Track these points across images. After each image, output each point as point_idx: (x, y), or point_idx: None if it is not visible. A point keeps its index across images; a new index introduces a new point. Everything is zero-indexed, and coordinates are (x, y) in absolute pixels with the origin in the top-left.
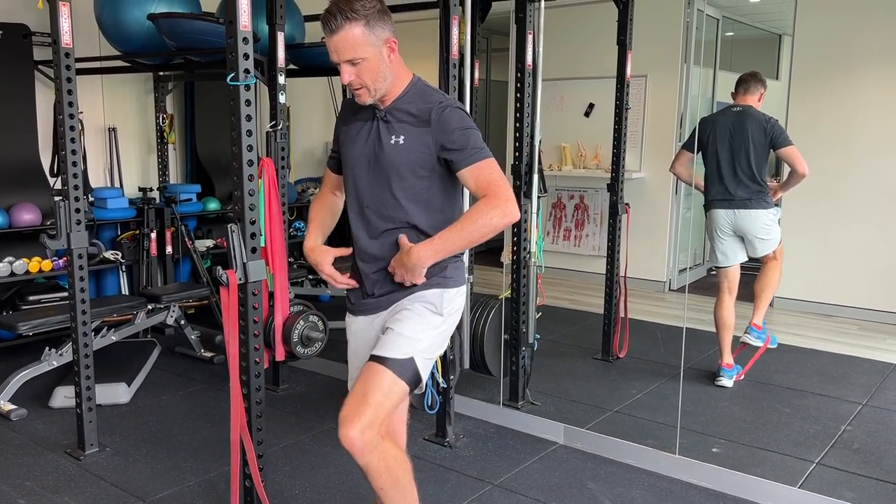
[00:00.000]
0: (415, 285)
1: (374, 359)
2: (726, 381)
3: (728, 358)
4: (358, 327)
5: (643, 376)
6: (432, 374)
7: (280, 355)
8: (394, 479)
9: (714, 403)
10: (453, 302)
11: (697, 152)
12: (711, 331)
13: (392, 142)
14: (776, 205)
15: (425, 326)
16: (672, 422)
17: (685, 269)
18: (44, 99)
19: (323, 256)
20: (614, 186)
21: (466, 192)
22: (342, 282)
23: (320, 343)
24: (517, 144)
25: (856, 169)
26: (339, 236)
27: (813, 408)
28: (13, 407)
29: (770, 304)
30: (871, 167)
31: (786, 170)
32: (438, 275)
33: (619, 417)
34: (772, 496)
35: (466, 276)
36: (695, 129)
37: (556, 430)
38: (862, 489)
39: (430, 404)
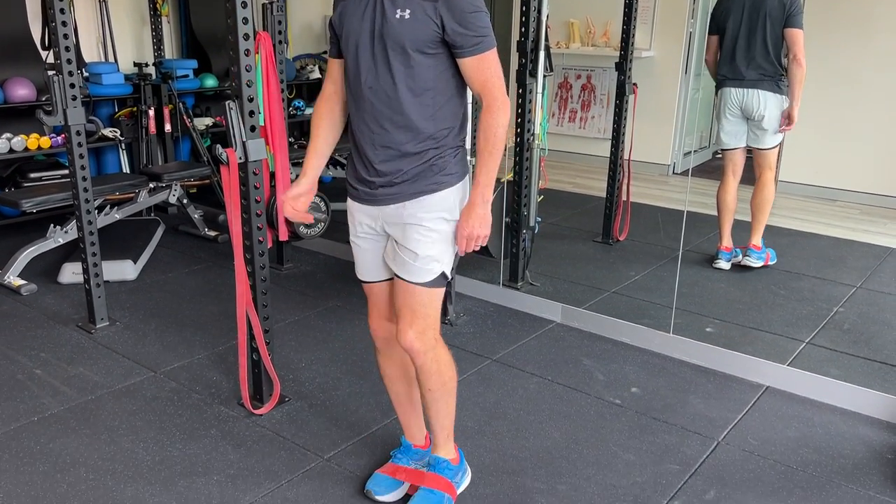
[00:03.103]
0: (418, 180)
1: (408, 281)
2: (724, 264)
3: (727, 241)
4: (361, 216)
5: (642, 259)
6: None
7: (283, 235)
8: (442, 383)
9: (710, 285)
10: (462, 195)
11: (715, 32)
12: (713, 214)
13: (398, 16)
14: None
15: (445, 238)
16: (668, 303)
17: (690, 152)
18: None
19: (301, 193)
20: (622, 65)
21: None
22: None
23: (323, 224)
24: (523, 19)
25: (872, 48)
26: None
27: (808, 290)
28: (23, 282)
29: (769, 216)
30: (889, 46)
31: None
32: (443, 174)
33: (616, 298)
34: (761, 373)
35: (468, 159)
36: (715, 8)
37: (553, 309)
38: (848, 367)
39: None
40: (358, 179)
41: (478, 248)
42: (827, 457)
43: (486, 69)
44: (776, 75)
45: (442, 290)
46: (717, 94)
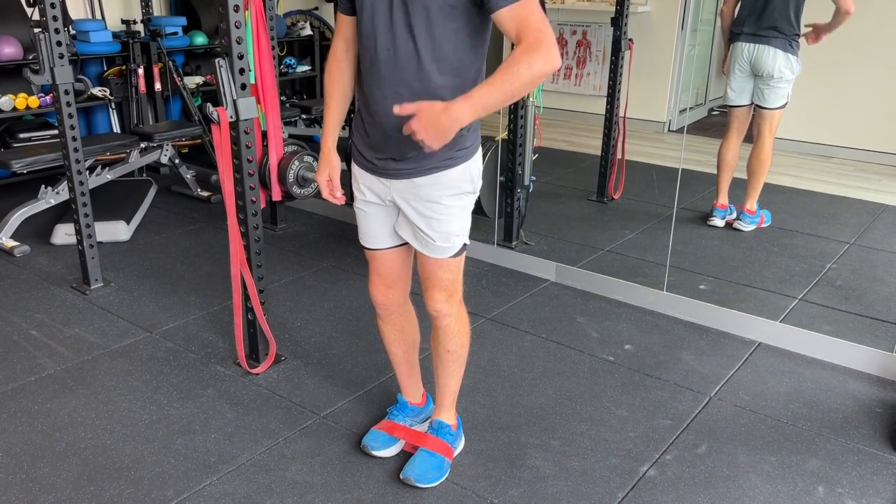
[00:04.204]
0: (432, 155)
1: (433, 257)
2: (718, 221)
3: (723, 198)
4: (367, 184)
5: (636, 217)
6: None
7: (276, 195)
8: (461, 344)
9: (704, 243)
10: (476, 165)
11: None
12: (707, 172)
13: None
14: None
15: (465, 212)
16: (662, 261)
17: (686, 109)
18: None
19: (335, 172)
20: (618, 20)
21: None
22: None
23: (316, 184)
24: None
25: (871, 3)
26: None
27: (801, 247)
28: (16, 243)
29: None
30: (887, 2)
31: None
32: (457, 148)
33: (611, 256)
34: (753, 329)
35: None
36: None
37: (548, 268)
38: (841, 323)
39: None
40: (366, 146)
41: (427, 144)
42: (817, 411)
43: (527, 14)
44: (790, 34)
45: (464, 256)
46: (731, 47)
